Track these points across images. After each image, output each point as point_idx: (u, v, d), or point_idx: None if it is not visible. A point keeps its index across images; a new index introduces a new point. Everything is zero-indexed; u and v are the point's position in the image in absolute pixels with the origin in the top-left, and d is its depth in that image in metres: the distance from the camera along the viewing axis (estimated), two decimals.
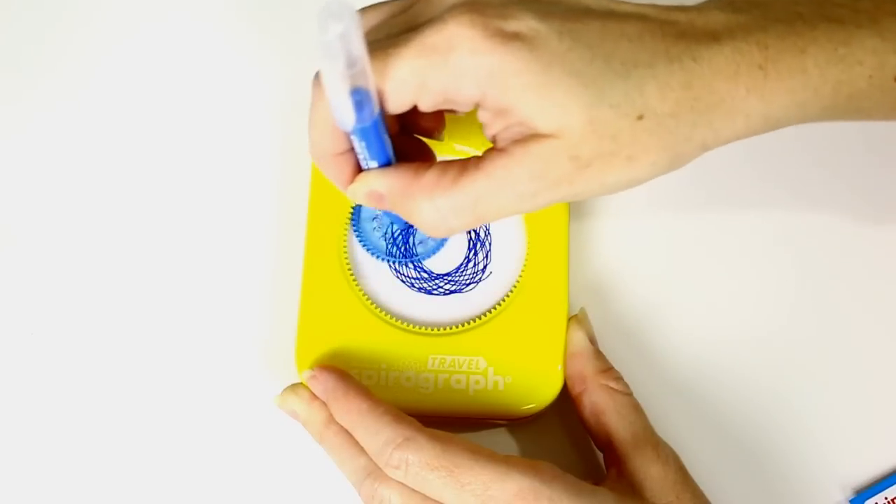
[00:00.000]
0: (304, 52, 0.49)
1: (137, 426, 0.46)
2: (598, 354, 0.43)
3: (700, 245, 0.48)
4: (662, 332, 0.47)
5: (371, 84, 0.33)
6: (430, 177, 0.36)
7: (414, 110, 0.36)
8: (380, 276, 0.45)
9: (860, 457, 0.45)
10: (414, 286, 0.45)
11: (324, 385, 0.42)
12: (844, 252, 0.48)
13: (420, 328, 0.44)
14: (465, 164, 0.36)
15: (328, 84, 0.32)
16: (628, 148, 0.35)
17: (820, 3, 0.37)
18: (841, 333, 0.47)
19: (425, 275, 0.45)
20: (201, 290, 0.47)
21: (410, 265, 0.45)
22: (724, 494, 0.43)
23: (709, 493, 0.41)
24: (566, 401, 0.43)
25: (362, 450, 0.40)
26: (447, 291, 0.45)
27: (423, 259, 0.45)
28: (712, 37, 0.35)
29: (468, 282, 0.45)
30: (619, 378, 0.43)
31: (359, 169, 0.38)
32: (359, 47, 0.31)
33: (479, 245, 0.45)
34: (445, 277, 0.45)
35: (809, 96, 0.36)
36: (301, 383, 0.43)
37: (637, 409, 0.42)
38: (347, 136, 0.36)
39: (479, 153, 0.36)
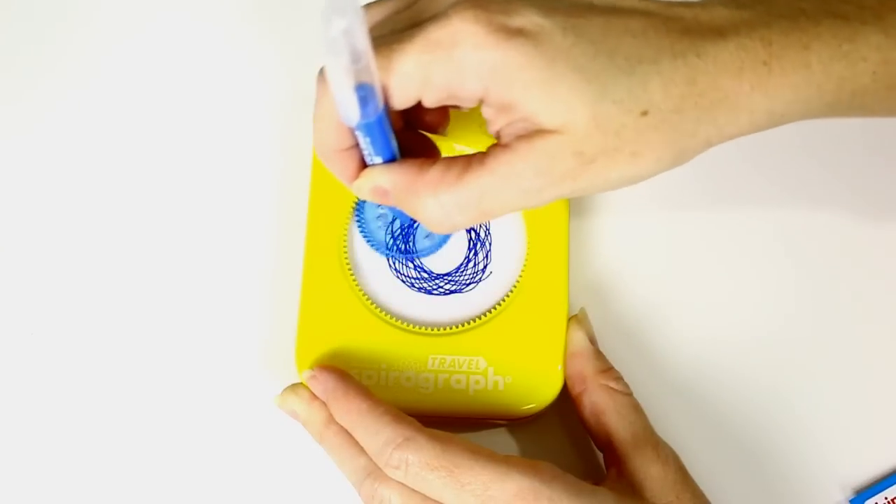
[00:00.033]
0: (305, 51, 0.50)
1: (137, 426, 0.46)
2: (598, 354, 0.43)
3: (700, 245, 0.48)
4: (662, 332, 0.47)
5: (375, 79, 0.33)
6: (434, 173, 0.36)
7: (418, 106, 0.36)
8: (380, 276, 0.45)
9: (860, 457, 0.45)
10: (414, 286, 0.45)
11: (324, 385, 0.42)
12: (845, 252, 0.48)
13: (420, 328, 0.44)
14: (470, 161, 0.36)
15: (332, 80, 0.32)
16: (632, 144, 0.35)
17: (824, 0, 0.37)
18: (841, 333, 0.47)
19: (425, 275, 0.45)
20: (201, 289, 0.47)
21: (410, 265, 0.45)
22: (724, 494, 0.43)
23: (709, 493, 0.41)
24: (566, 401, 0.43)
25: (362, 450, 0.40)
26: (447, 291, 0.45)
27: (423, 256, 0.45)
28: (717, 33, 0.35)
29: (468, 282, 0.45)
30: (619, 378, 0.43)
31: (363, 164, 0.38)
32: (363, 43, 0.31)
33: (479, 245, 0.45)
34: (445, 277, 0.45)
35: (813, 92, 0.36)
36: (301, 383, 0.43)
37: (637, 409, 0.42)
38: (352, 131, 0.36)
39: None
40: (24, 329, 0.47)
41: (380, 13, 0.37)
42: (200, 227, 0.48)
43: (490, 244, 0.45)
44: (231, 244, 0.48)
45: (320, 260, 0.44)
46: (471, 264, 0.45)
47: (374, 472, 0.40)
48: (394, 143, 0.37)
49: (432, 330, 0.44)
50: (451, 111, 0.39)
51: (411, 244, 0.45)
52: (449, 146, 0.44)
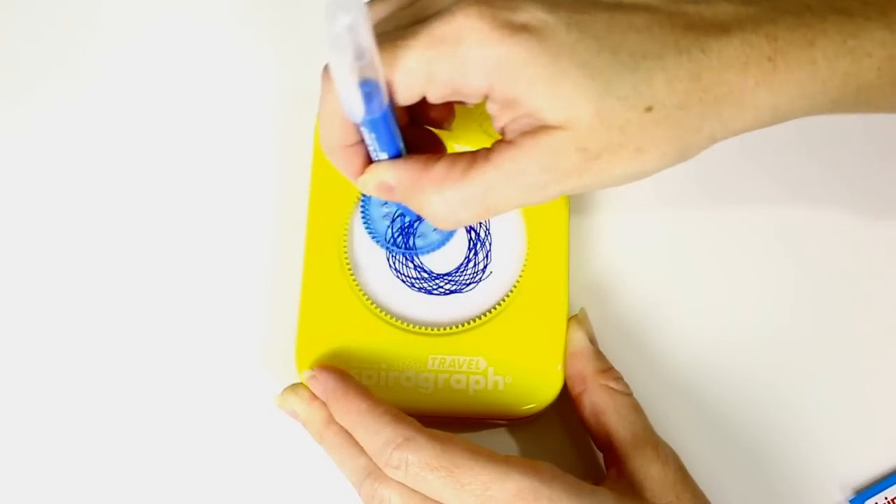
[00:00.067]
0: (305, 51, 0.50)
1: (137, 426, 0.46)
2: (598, 354, 0.43)
3: (700, 245, 0.48)
4: (662, 332, 0.47)
5: (380, 75, 0.33)
6: (439, 169, 0.36)
7: (423, 102, 0.36)
8: (380, 276, 0.45)
9: (860, 457, 0.45)
10: (414, 286, 0.45)
11: (324, 385, 0.42)
12: (845, 252, 0.48)
13: (420, 328, 0.44)
14: (475, 157, 0.36)
15: (337, 76, 0.32)
16: (637, 140, 0.35)
17: None
18: (841, 333, 0.47)
19: (425, 274, 0.45)
20: (201, 289, 0.47)
21: (411, 265, 0.45)
22: (724, 494, 0.43)
23: (709, 493, 0.41)
24: (566, 401, 0.43)
25: (362, 450, 0.40)
26: (447, 291, 0.45)
27: (422, 253, 0.45)
28: (721, 28, 0.35)
29: (468, 282, 0.45)
30: (619, 378, 0.43)
31: (369, 160, 0.38)
32: (367, 39, 0.31)
33: (479, 245, 0.45)
34: (445, 277, 0.45)
35: (818, 88, 0.36)
36: (301, 383, 0.43)
37: (637, 409, 0.42)
38: (357, 127, 0.36)
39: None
40: (24, 329, 0.47)
41: (383, 10, 0.37)
42: (200, 228, 0.48)
43: (490, 244, 0.45)
44: (231, 244, 0.48)
45: (320, 260, 0.44)
46: (471, 264, 0.45)
47: (374, 472, 0.40)
48: (399, 139, 0.37)
49: (432, 330, 0.44)
50: (456, 107, 0.39)
51: (412, 241, 0.45)
52: (448, 146, 0.44)
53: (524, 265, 0.44)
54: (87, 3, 0.51)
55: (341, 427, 0.41)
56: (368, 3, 0.37)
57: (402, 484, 0.39)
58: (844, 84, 0.36)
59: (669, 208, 0.48)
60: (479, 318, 0.44)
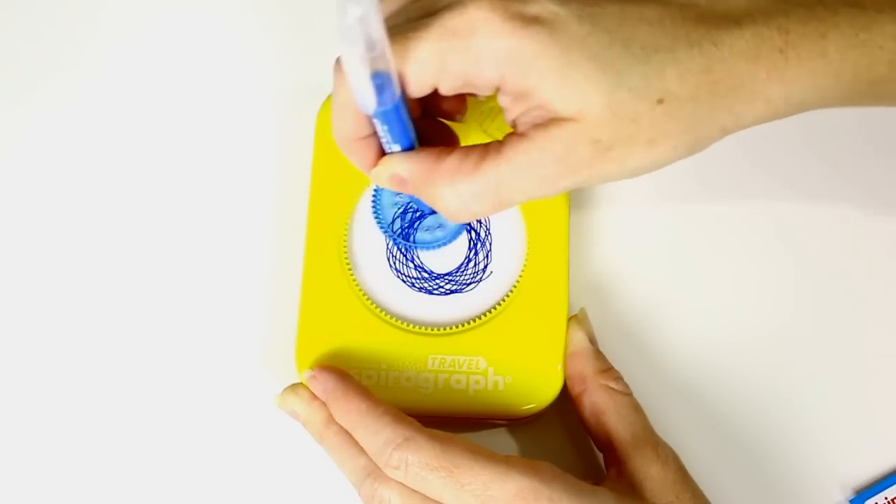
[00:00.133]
0: (305, 51, 0.50)
1: (137, 426, 0.46)
2: (598, 354, 0.43)
3: (700, 245, 0.48)
4: (662, 332, 0.47)
5: (391, 67, 0.33)
6: (451, 162, 0.36)
7: (435, 94, 0.36)
8: (380, 276, 0.45)
9: (860, 457, 0.45)
10: (414, 286, 0.45)
11: (324, 385, 0.42)
12: (846, 251, 0.48)
13: (420, 328, 0.44)
14: (487, 149, 0.36)
15: (349, 68, 0.32)
16: (648, 132, 0.35)
17: None
18: (841, 333, 0.47)
19: (426, 274, 0.45)
20: (201, 290, 0.47)
21: (411, 265, 0.45)
22: (724, 494, 0.43)
23: (709, 493, 0.41)
24: (566, 401, 0.43)
25: (362, 450, 0.40)
26: (447, 291, 0.45)
27: (421, 248, 0.45)
28: (733, 21, 0.35)
29: (468, 282, 0.45)
30: (619, 378, 0.43)
31: (382, 153, 0.38)
32: (378, 30, 0.31)
33: (479, 245, 0.45)
34: (446, 277, 0.45)
35: (830, 81, 0.36)
36: (301, 383, 0.43)
37: (637, 409, 0.42)
38: (370, 120, 0.36)
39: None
40: (24, 329, 0.47)
41: (395, 2, 0.37)
42: (200, 228, 0.48)
43: (490, 244, 0.45)
44: (231, 244, 0.48)
45: (320, 260, 0.44)
46: (471, 264, 0.45)
47: (374, 472, 0.40)
48: (412, 131, 0.37)
49: (432, 330, 0.44)
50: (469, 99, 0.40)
51: (414, 235, 0.45)
52: None
53: (524, 265, 0.44)
54: (87, 3, 0.51)
55: (341, 427, 0.41)
56: None
57: (402, 484, 0.39)
58: (856, 77, 0.36)
59: (669, 206, 0.48)
60: (479, 318, 0.44)
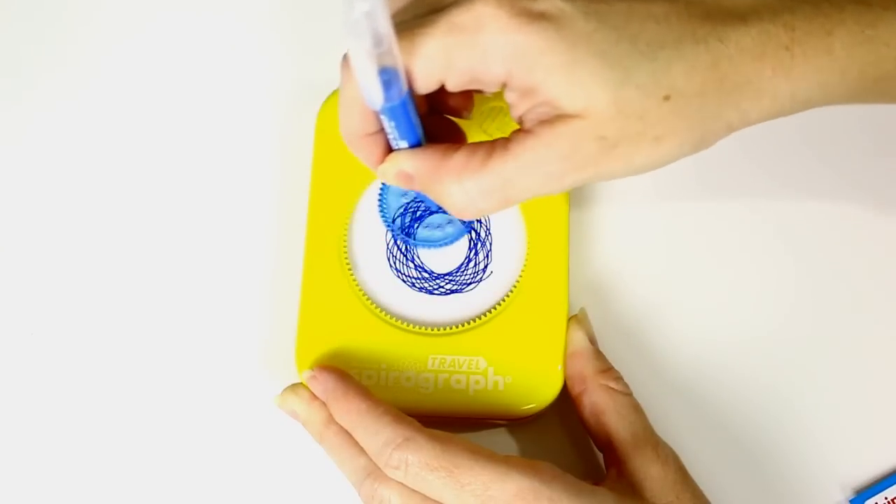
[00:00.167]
0: (305, 51, 0.50)
1: (137, 426, 0.46)
2: (598, 354, 0.43)
3: (700, 244, 0.48)
4: (662, 332, 0.47)
5: (399, 63, 0.33)
6: (458, 159, 0.36)
7: (442, 90, 0.36)
8: (380, 276, 0.45)
9: (860, 457, 0.45)
10: (414, 286, 0.45)
11: (324, 385, 0.42)
12: (846, 251, 0.48)
13: (420, 328, 0.44)
14: (493, 146, 0.36)
15: (356, 63, 0.32)
16: (655, 128, 0.35)
17: None
18: (841, 333, 0.47)
19: (426, 274, 0.45)
20: (201, 290, 0.47)
21: (411, 265, 0.45)
22: (724, 494, 0.43)
23: (709, 493, 0.41)
24: (566, 401, 0.43)
25: (362, 450, 0.40)
26: (447, 291, 0.45)
27: (422, 246, 0.45)
28: (739, 18, 0.35)
29: (469, 281, 0.45)
30: (618, 378, 0.43)
31: (389, 149, 0.38)
32: (385, 26, 0.31)
33: (479, 245, 0.45)
34: (446, 277, 0.45)
35: (836, 78, 0.36)
36: (301, 383, 0.43)
37: (637, 409, 0.42)
38: (377, 116, 0.36)
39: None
40: (24, 329, 0.47)
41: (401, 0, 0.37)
42: (200, 228, 0.48)
43: (490, 244, 0.45)
44: (231, 244, 0.48)
45: (320, 260, 0.44)
46: (471, 264, 0.45)
47: (374, 472, 0.40)
48: (419, 128, 0.37)
49: (432, 330, 0.44)
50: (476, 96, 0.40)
51: (416, 231, 0.45)
52: None
53: (524, 265, 0.44)
54: (87, 3, 0.51)
55: (341, 427, 0.41)
56: None
57: (402, 484, 0.39)
58: (862, 74, 0.36)
59: (669, 206, 0.48)
60: (479, 318, 0.44)
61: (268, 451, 0.46)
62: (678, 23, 0.35)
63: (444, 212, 0.45)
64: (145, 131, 0.50)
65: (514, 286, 0.44)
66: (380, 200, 0.45)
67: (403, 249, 0.45)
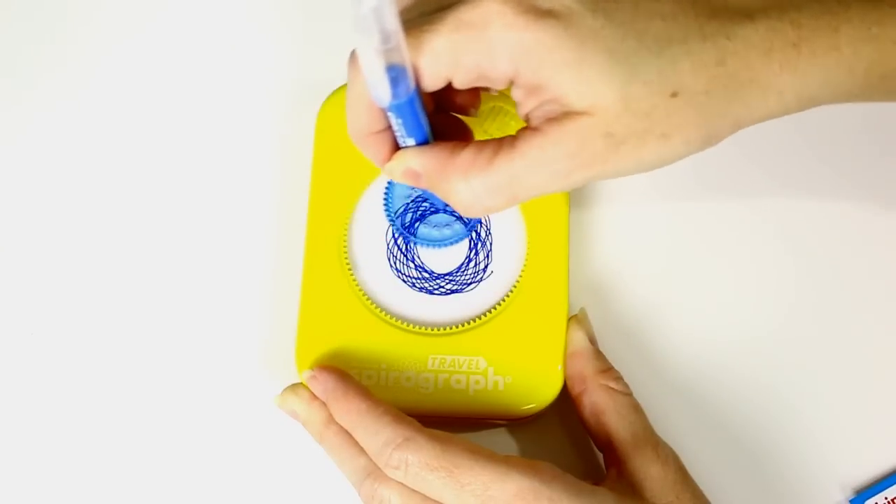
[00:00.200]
0: (305, 51, 0.50)
1: (137, 426, 0.46)
2: (598, 354, 0.43)
3: (700, 244, 0.48)
4: (662, 332, 0.47)
5: (406, 60, 0.33)
6: (465, 156, 0.36)
7: (449, 88, 0.36)
8: (380, 276, 0.45)
9: (860, 457, 0.45)
10: (414, 286, 0.45)
11: (324, 385, 0.42)
12: (846, 250, 0.48)
13: (420, 328, 0.44)
14: (500, 144, 0.36)
15: (363, 60, 0.32)
16: (662, 125, 0.35)
17: None
18: (841, 333, 0.47)
19: (426, 274, 0.45)
20: (201, 290, 0.47)
21: (411, 264, 0.45)
22: (724, 494, 0.43)
23: (709, 493, 0.41)
24: (566, 401, 0.43)
25: (362, 450, 0.40)
26: (448, 291, 0.45)
27: (423, 244, 0.45)
28: (746, 15, 0.35)
29: (469, 281, 0.45)
30: (618, 378, 0.43)
31: (396, 147, 0.38)
32: (392, 22, 0.31)
33: (479, 245, 0.45)
34: (446, 277, 0.45)
35: (843, 75, 0.36)
36: (301, 383, 0.43)
37: (637, 409, 0.42)
38: (384, 114, 0.36)
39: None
40: (24, 329, 0.47)
41: None
42: (200, 228, 0.48)
43: (490, 244, 0.45)
44: (231, 244, 0.48)
45: (320, 260, 0.44)
46: (472, 264, 0.45)
47: (374, 472, 0.40)
48: (426, 125, 0.37)
49: (432, 330, 0.44)
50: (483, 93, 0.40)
51: (417, 228, 0.45)
52: None
53: (524, 265, 0.44)
54: (87, 3, 0.51)
55: (341, 427, 0.41)
56: None
57: (402, 484, 0.39)
58: (868, 71, 0.36)
59: (669, 205, 0.48)
60: (479, 318, 0.44)
61: (268, 451, 0.46)
62: (685, 20, 0.35)
63: (448, 211, 0.45)
64: (145, 131, 0.50)
65: (514, 286, 0.44)
66: (386, 194, 0.45)
67: (404, 249, 0.45)
